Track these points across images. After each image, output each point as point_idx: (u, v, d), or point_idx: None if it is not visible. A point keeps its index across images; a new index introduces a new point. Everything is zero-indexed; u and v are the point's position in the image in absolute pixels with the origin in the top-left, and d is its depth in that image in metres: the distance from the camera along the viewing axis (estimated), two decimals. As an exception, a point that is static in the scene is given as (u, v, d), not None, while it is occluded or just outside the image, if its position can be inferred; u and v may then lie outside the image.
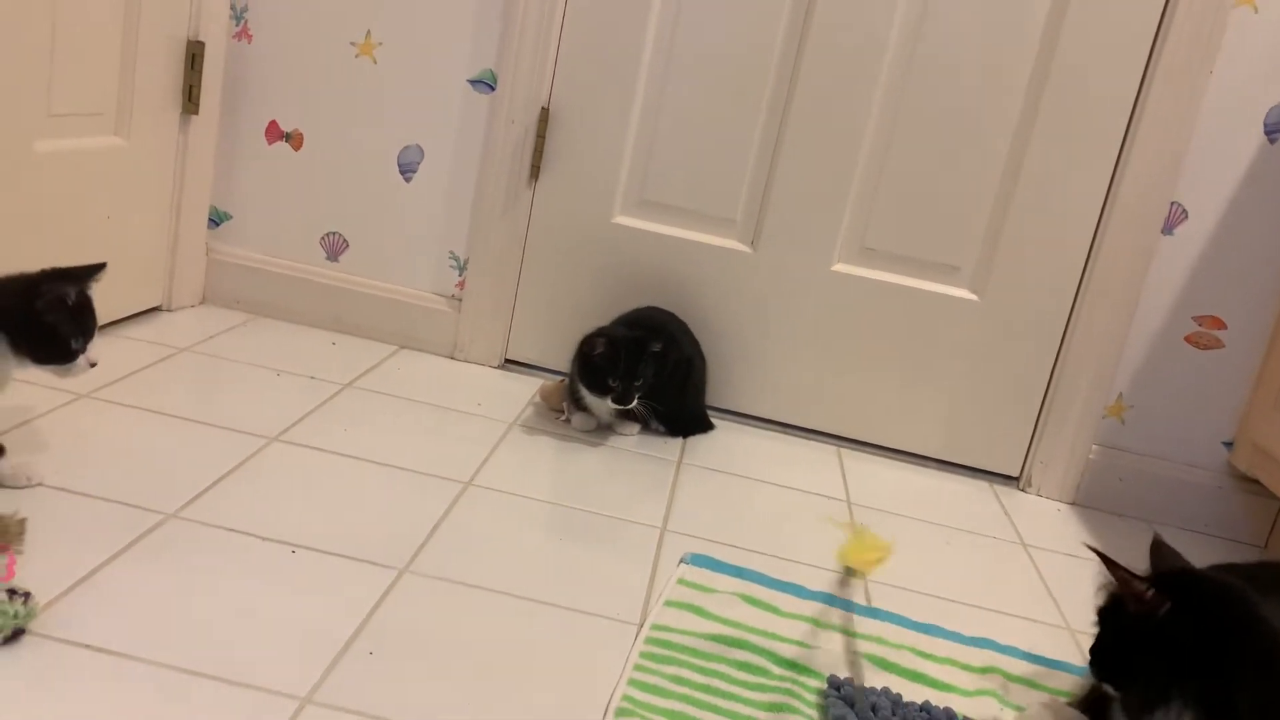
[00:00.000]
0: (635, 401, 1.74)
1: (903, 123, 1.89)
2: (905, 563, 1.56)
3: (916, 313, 1.96)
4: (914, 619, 1.37)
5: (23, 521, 1.15)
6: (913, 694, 1.18)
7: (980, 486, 1.96)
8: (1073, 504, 1.96)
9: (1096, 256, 1.88)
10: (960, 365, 1.97)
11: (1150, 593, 1.03)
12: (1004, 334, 1.95)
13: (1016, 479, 2.00)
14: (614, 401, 1.74)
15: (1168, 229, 1.86)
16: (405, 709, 1.01)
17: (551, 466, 1.67)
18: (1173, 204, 1.85)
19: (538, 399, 1.93)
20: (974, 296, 1.95)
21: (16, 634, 0.98)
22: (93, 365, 1.27)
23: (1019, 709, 1.21)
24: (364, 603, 1.17)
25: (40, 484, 1.27)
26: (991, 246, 1.92)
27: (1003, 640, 1.36)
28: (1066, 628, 1.47)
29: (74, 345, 1.24)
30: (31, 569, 1.09)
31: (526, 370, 2.07)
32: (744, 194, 1.96)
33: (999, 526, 1.79)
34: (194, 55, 1.89)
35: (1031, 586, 1.58)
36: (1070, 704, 1.21)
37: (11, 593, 0.99)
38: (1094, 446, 1.95)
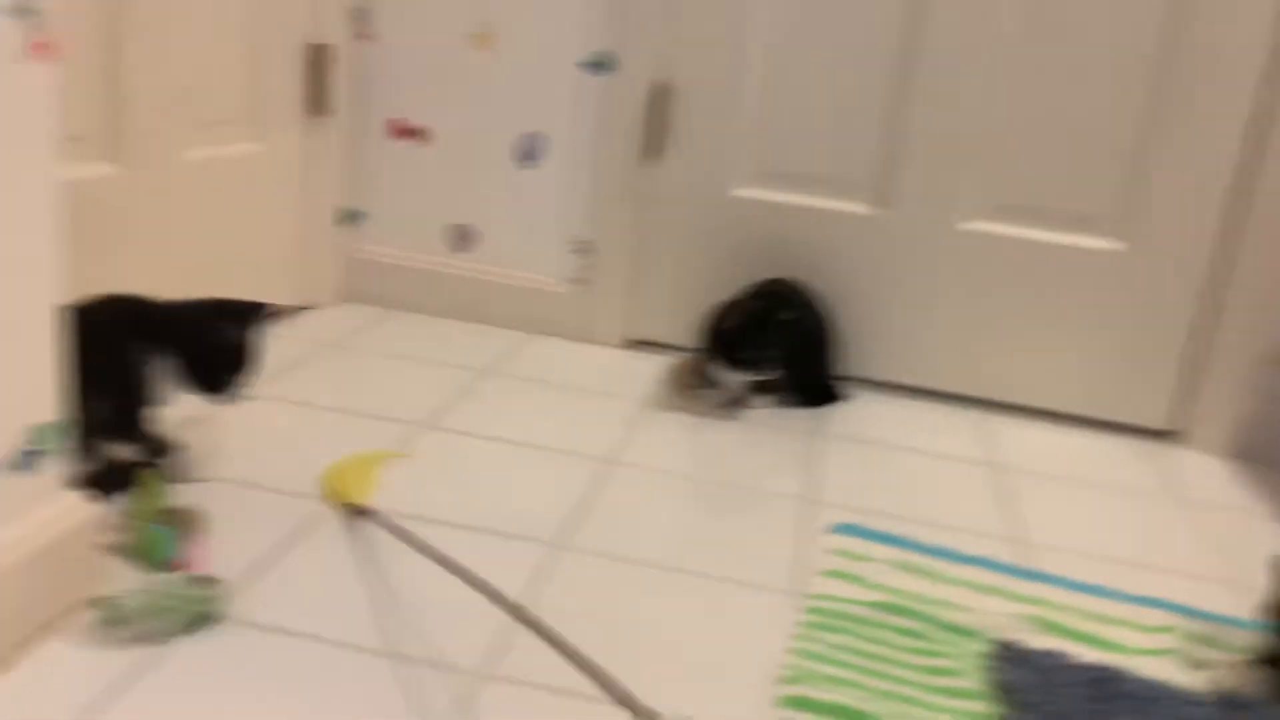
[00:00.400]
0: (765, 371, 1.73)
1: (1034, 68, 1.82)
2: (1063, 524, 1.52)
3: (1055, 266, 1.90)
4: (1078, 580, 1.33)
5: (201, 513, 1.21)
6: (1083, 655, 1.15)
7: (1132, 443, 1.89)
8: (1233, 458, 1.87)
9: (1251, 196, 1.78)
10: (1105, 318, 1.90)
11: None
12: (1151, 283, 1.87)
13: (1171, 434, 1.92)
14: (744, 372, 1.73)
15: (1327, 162, 1.75)
16: (574, 680, 1.02)
17: (688, 442, 1.67)
18: (1331, 135, 1.74)
19: (668, 377, 1.93)
20: (1118, 245, 1.87)
21: (207, 619, 1.03)
22: (242, 397, 1.32)
23: (1197, 667, 1.17)
24: (524, 579, 1.20)
25: (210, 478, 1.34)
26: (1134, 191, 1.84)
27: (1172, 598, 1.31)
28: (1238, 584, 1.40)
29: (226, 379, 1.29)
30: (215, 557, 1.15)
31: (655, 349, 2.08)
32: (869, 156, 1.92)
33: (1156, 483, 1.72)
34: (319, 58, 1.95)
35: (1196, 543, 1.52)
36: (1252, 661, 1.16)
37: (199, 580, 1.04)
38: (1254, 398, 1.86)
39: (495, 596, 1.01)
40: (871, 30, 1.87)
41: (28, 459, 0.96)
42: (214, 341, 1.27)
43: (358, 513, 1.28)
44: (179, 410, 1.33)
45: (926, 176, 1.90)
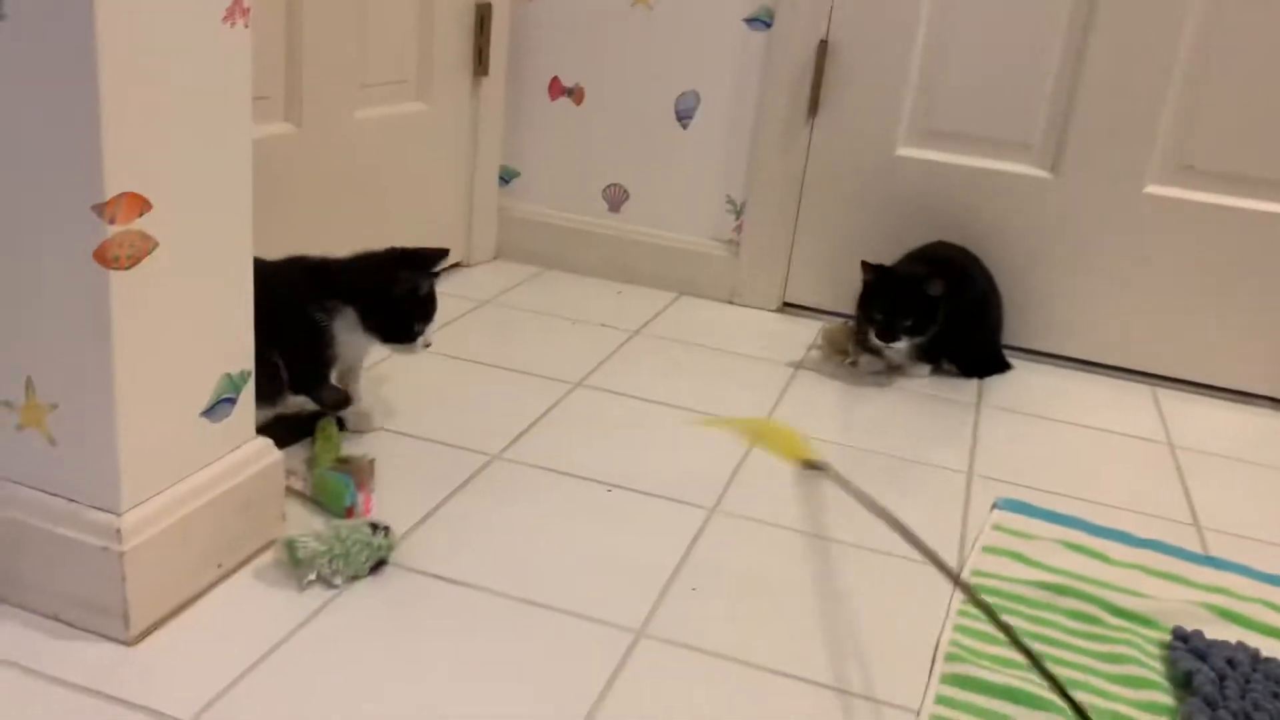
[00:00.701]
0: (903, 341, 1.67)
1: (1227, 19, 1.70)
2: (1245, 508, 1.43)
3: (1244, 235, 1.77)
4: (1262, 569, 1.25)
5: (373, 462, 1.25)
6: (1270, 649, 1.08)
7: (1322, 426, 1.77)
8: None
9: None
10: (1297, 292, 1.77)
11: None
12: (1352, 255, 1.73)
13: (1366, 418, 1.79)
14: (876, 336, 1.68)
15: None
16: (733, 643, 1.03)
17: (843, 409, 1.64)
18: None
19: (821, 342, 1.90)
20: (1315, 215, 1.74)
21: (380, 564, 1.08)
22: (428, 346, 1.35)
23: (1400, 671, 1.08)
24: (680, 541, 1.20)
25: (381, 429, 1.38)
26: (1337, 157, 1.70)
27: (1372, 595, 1.22)
28: None
29: (416, 329, 1.33)
30: (382, 506, 1.19)
31: (806, 313, 2.05)
32: (1042, 115, 1.83)
33: (1350, 470, 1.60)
34: (482, 18, 1.97)
35: (1398, 537, 1.41)
36: None
37: (374, 526, 1.08)
38: None
39: (937, 562, 1.00)
40: (1051, -18, 1.77)
41: (223, 407, 1.01)
42: (397, 291, 1.30)
43: (812, 467, 1.31)
44: (363, 364, 1.39)
45: (1104, 137, 1.80)
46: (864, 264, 1.70)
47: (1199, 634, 1.08)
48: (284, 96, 1.54)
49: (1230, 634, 1.11)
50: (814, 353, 1.86)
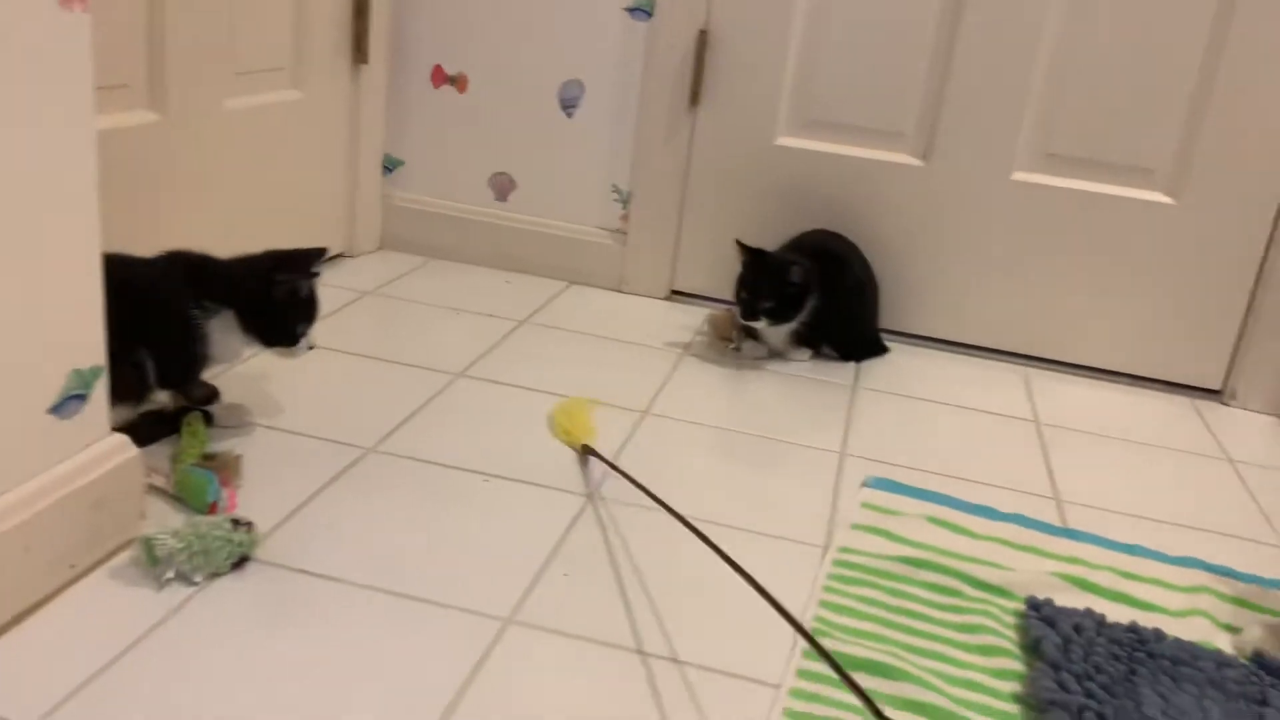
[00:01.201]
0: (761, 320, 1.71)
1: (1087, 14, 1.77)
2: (1103, 482, 1.50)
3: (1105, 220, 1.85)
4: (1114, 539, 1.31)
5: (239, 458, 1.23)
6: (1116, 615, 1.13)
7: (1179, 402, 1.85)
8: (1284, 417, 1.83)
9: (1310, 148, 1.73)
10: (1155, 274, 1.85)
11: None
12: (1203, 238, 1.82)
13: (1219, 393, 1.88)
14: (741, 316, 1.72)
15: (1395, 112, 1.69)
16: (602, 627, 1.04)
17: (725, 394, 1.67)
18: (1401, 84, 1.67)
19: (706, 328, 1.93)
20: (1169, 200, 1.82)
21: (242, 560, 1.06)
22: (311, 348, 1.34)
23: (1233, 629, 1.15)
24: (555, 528, 1.21)
25: (250, 423, 1.36)
26: (1188, 144, 1.79)
27: (1210, 559, 1.29)
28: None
29: (299, 331, 1.31)
30: (249, 501, 1.17)
31: (693, 300, 2.07)
32: (915, 105, 1.88)
33: (1202, 443, 1.69)
34: (360, 4, 1.94)
35: (1240, 504, 1.49)
36: (1292, 625, 1.14)
37: (236, 523, 1.06)
38: (1308, 355, 1.81)
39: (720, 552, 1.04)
40: (919, -26, 1.82)
41: (72, 403, 0.98)
42: (277, 294, 1.28)
43: (588, 453, 1.35)
44: (240, 363, 1.36)
45: (973, 127, 1.85)
46: (738, 243, 1.74)
47: (1050, 602, 1.12)
48: (146, 84, 1.50)
49: (1082, 601, 1.16)
50: (700, 339, 1.88)
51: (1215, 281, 1.83)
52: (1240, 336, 1.85)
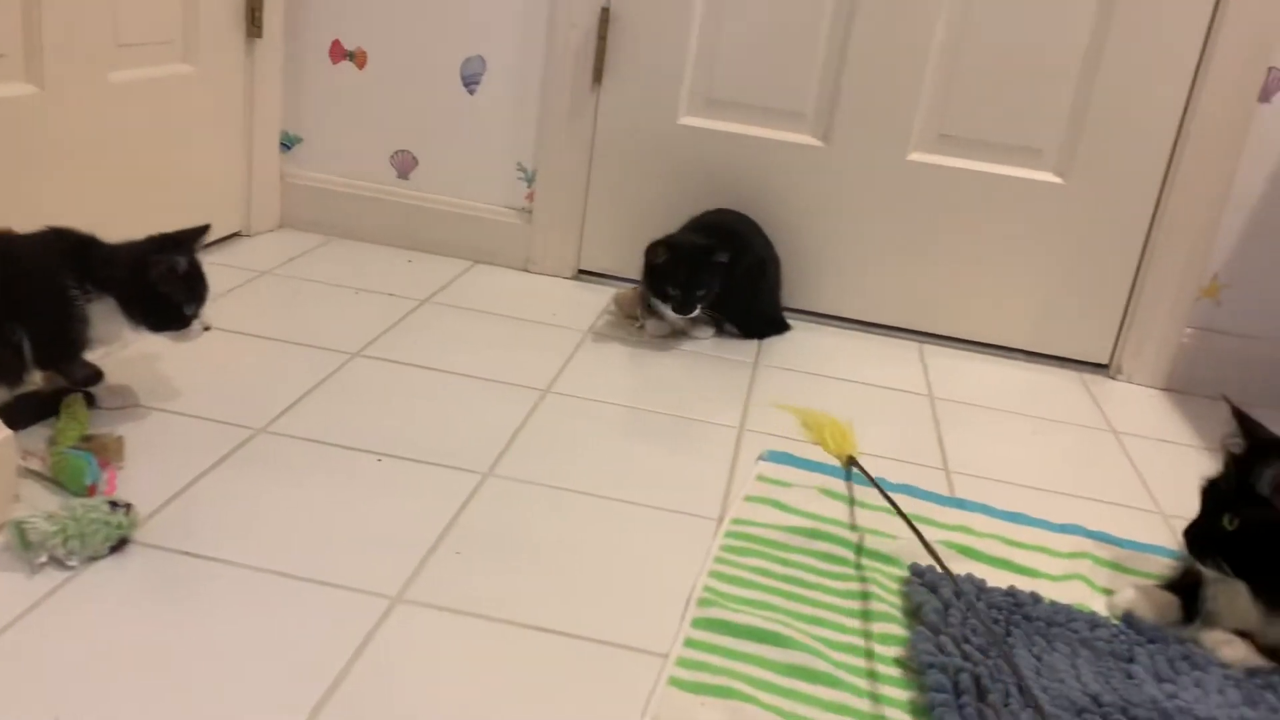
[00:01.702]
0: (697, 310, 1.73)
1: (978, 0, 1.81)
2: (992, 454, 1.54)
3: (997, 200, 1.90)
4: (1000, 508, 1.35)
5: (120, 440, 1.20)
6: (998, 580, 1.17)
7: (1068, 376, 1.91)
8: (1166, 389, 1.90)
9: (1188, 129, 1.79)
10: (1045, 252, 1.91)
11: None
12: (1090, 217, 1.88)
13: (1106, 367, 1.95)
14: (674, 310, 1.73)
15: (1265, 97, 1.76)
16: (492, 603, 1.04)
17: (628, 372, 1.67)
18: (1271, 69, 1.74)
19: (612, 307, 1.93)
20: (1058, 180, 1.88)
21: (121, 543, 1.03)
22: (207, 329, 1.30)
23: (1107, 592, 1.20)
24: (450, 506, 1.20)
25: (136, 405, 1.32)
26: (1076, 126, 1.84)
27: (1091, 526, 1.34)
28: (1158, 512, 1.44)
29: (188, 312, 1.27)
30: (132, 483, 1.14)
31: (600, 280, 2.07)
32: (814, 86, 1.90)
33: (1088, 415, 1.75)
34: (254, -22, 1.89)
35: (1122, 473, 1.55)
36: (1160, 586, 1.19)
37: (114, 505, 1.03)
38: (1187, 329, 1.89)
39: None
40: (817, -45, 1.84)
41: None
42: (153, 276, 1.23)
43: (853, 465, 1.35)
44: (128, 347, 1.32)
45: (870, 108, 1.89)
46: (653, 247, 1.74)
47: (932, 568, 1.15)
48: (23, 54, 1.44)
49: (967, 568, 1.19)
50: (606, 318, 1.88)
51: (1103, 259, 1.90)
52: (1126, 313, 1.91)
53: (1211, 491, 1.11)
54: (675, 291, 1.72)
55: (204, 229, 1.30)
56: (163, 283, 1.25)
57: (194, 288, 1.29)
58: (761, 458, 1.40)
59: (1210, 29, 1.75)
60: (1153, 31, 1.77)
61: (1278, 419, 1.81)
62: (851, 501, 1.31)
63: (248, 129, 1.98)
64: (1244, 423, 1.11)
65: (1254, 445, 1.09)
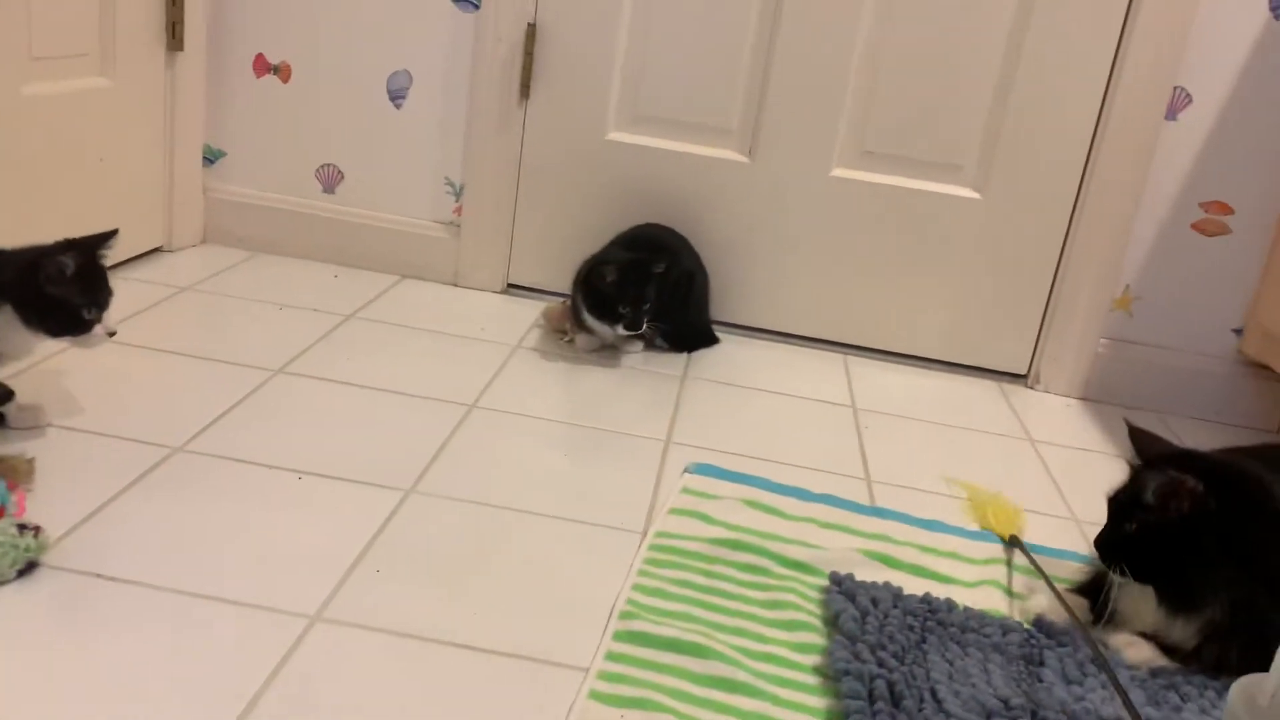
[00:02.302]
0: (645, 325, 1.74)
1: (898, 17, 1.85)
2: (912, 463, 1.57)
3: (918, 214, 1.94)
4: (917, 516, 1.38)
5: (31, 461, 1.17)
6: (915, 587, 1.20)
7: (988, 386, 1.96)
8: (1082, 399, 1.96)
9: (1099, 147, 1.85)
10: (964, 265, 1.95)
11: (1200, 489, 1.07)
12: (1007, 231, 1.93)
13: (1024, 377, 2.00)
14: (625, 328, 1.73)
15: (1171, 114, 1.83)
16: (412, 621, 1.03)
17: (557, 386, 1.68)
18: (1176, 88, 1.81)
19: (541, 321, 1.93)
20: (975, 195, 1.92)
21: (30, 566, 1.01)
22: (111, 335, 1.26)
23: (1020, 597, 1.23)
24: (371, 524, 1.19)
25: (48, 425, 1.30)
26: (992, 143, 1.89)
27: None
28: (1072, 519, 1.48)
29: (86, 315, 1.23)
30: (42, 505, 1.12)
31: (529, 294, 2.07)
32: (739, 103, 1.93)
33: (1006, 424, 1.79)
34: (174, -10, 1.87)
35: (1038, 481, 1.59)
36: (1071, 590, 1.22)
37: (22, 527, 1.01)
38: (1102, 340, 1.94)
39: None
40: (740, -26, 1.87)
41: None
42: (42, 277, 1.20)
43: (1015, 544, 1.33)
44: (40, 361, 1.28)
45: (794, 125, 1.92)
46: (596, 269, 1.73)
47: (850, 577, 1.18)
48: (-72, 67, 1.41)
49: (884, 576, 1.21)
50: (535, 332, 1.88)
51: (1020, 272, 1.95)
52: (1043, 324, 1.97)
53: (1114, 502, 1.16)
54: (626, 310, 1.72)
55: (112, 233, 1.27)
56: (52, 284, 1.20)
57: (91, 291, 1.24)
58: (687, 470, 1.42)
59: (1118, 50, 1.81)
60: (1064, 52, 1.83)
61: (1188, 426, 1.89)
62: (775, 512, 1.33)
63: (168, 143, 1.95)
64: (1137, 440, 1.18)
65: (1146, 459, 1.15)
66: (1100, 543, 1.15)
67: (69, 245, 1.24)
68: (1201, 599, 1.08)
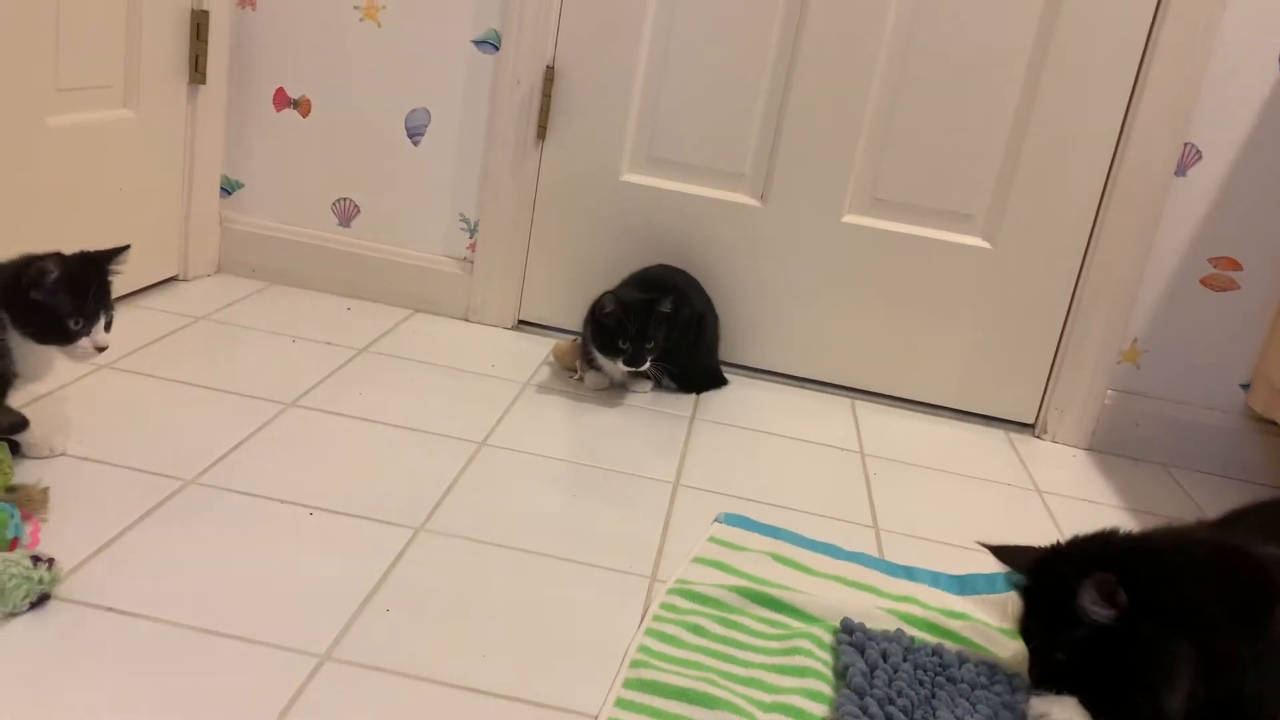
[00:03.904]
0: (647, 363, 1.75)
1: (911, 69, 1.87)
2: (920, 511, 1.57)
3: (928, 262, 1.95)
4: (946, 574, 1.36)
5: (45, 490, 1.18)
6: (922, 640, 1.18)
7: (995, 435, 1.96)
8: (1089, 450, 1.96)
9: (1109, 200, 1.87)
10: (973, 314, 1.97)
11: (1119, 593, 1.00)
12: (1017, 281, 1.94)
13: (1032, 426, 2.00)
14: (625, 364, 1.75)
15: (1181, 170, 1.84)
16: (421, 663, 1.03)
17: (565, 425, 1.68)
18: (1186, 144, 1.83)
19: (551, 359, 1.94)
20: (986, 244, 1.94)
21: (42, 599, 1.01)
22: (100, 349, 1.23)
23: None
24: (381, 562, 1.20)
25: (63, 454, 1.30)
26: (1003, 193, 1.91)
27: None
28: (1079, 572, 1.47)
29: (72, 326, 1.20)
30: (56, 536, 1.12)
31: (540, 331, 2.08)
32: (752, 147, 1.95)
33: (1013, 474, 1.79)
34: (199, 24, 1.89)
35: (1044, 532, 1.59)
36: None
37: (36, 559, 1.01)
38: (1109, 391, 1.95)
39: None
40: (754, 23, 1.89)
41: None
42: (26, 281, 1.18)
43: None
44: (56, 389, 1.29)
45: (807, 171, 1.94)
46: (600, 301, 1.75)
47: (862, 626, 1.17)
48: (-44, 96, 1.43)
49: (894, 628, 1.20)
50: (545, 369, 1.89)
51: (1028, 322, 1.96)
52: (1051, 374, 1.97)
53: (1029, 631, 1.11)
54: (626, 345, 1.73)
55: (124, 249, 1.27)
56: (35, 289, 1.18)
57: (78, 301, 1.21)
58: (718, 519, 1.41)
59: (1130, 105, 1.83)
60: (1076, 106, 1.85)
61: (1195, 480, 1.89)
62: (803, 569, 1.32)
63: (188, 173, 1.97)
64: (1004, 557, 1.16)
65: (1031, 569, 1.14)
66: (1038, 679, 1.09)
67: (78, 257, 1.23)
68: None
